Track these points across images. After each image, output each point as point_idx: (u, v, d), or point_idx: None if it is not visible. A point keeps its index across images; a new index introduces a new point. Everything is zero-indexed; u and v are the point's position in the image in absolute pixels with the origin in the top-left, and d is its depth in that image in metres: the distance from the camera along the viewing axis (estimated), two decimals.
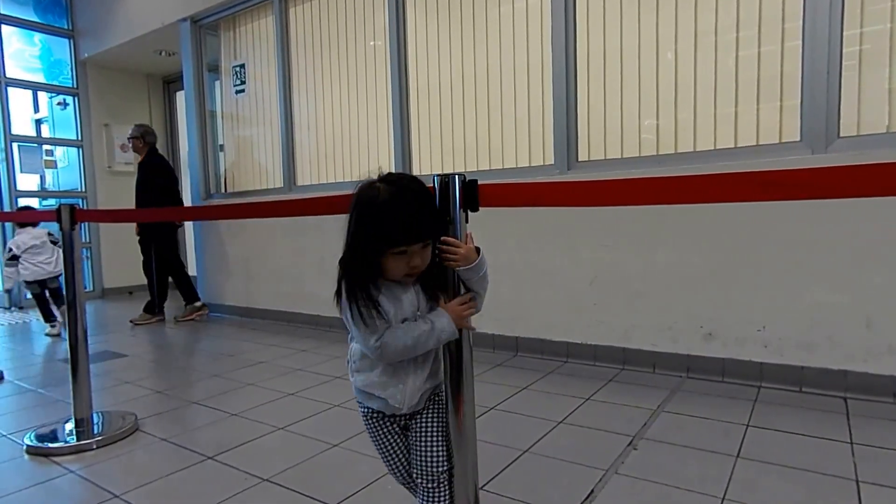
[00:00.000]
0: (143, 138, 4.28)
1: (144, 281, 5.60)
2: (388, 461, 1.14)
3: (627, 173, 2.55)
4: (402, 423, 1.12)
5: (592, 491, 1.52)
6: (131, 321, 4.33)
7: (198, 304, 4.45)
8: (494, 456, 1.75)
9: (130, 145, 4.38)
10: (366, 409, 1.11)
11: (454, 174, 1.05)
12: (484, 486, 1.55)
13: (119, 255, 5.90)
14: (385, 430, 1.11)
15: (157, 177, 4.27)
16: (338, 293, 1.01)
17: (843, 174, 0.78)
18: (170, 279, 4.44)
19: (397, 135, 3.44)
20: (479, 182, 1.07)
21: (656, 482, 1.55)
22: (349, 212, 0.97)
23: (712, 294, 2.38)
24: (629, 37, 2.62)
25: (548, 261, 2.79)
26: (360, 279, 0.97)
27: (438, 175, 1.05)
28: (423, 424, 1.10)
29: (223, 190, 4.69)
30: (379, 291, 0.98)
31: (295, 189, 4.05)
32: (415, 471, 1.11)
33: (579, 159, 2.77)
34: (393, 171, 3.66)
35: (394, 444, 1.12)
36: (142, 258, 4.42)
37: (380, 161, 3.61)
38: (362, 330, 0.98)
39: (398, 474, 1.15)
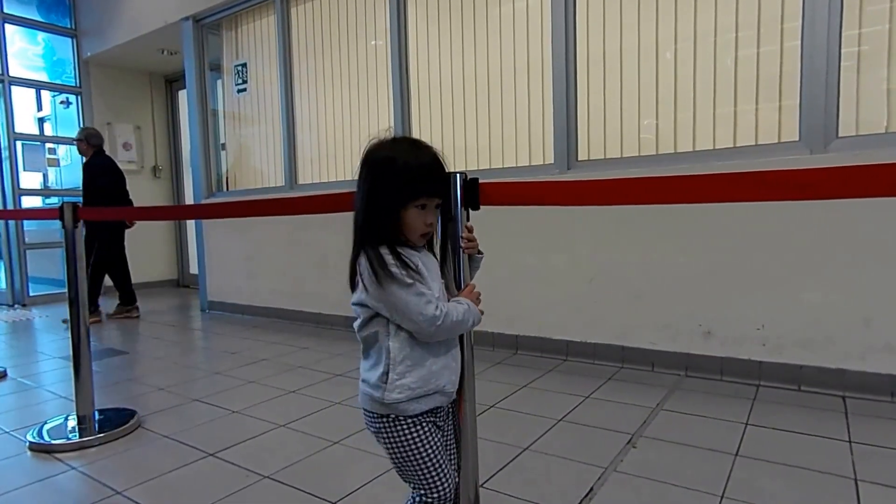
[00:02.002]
0: (86, 141, 4.31)
1: (145, 279, 5.62)
2: (441, 468, 1.00)
3: (627, 173, 2.55)
4: (443, 414, 1.04)
5: (592, 489, 1.52)
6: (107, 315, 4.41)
7: (129, 307, 4.49)
8: (494, 454, 1.75)
9: (77, 148, 4.41)
10: (416, 418, 0.97)
11: (456, 172, 1.04)
12: (484, 483, 1.55)
13: (129, 252, 5.88)
14: (435, 431, 1.01)
15: (100, 177, 4.26)
16: (372, 272, 0.90)
17: (842, 175, 0.78)
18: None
19: (398, 134, 3.43)
20: (480, 181, 1.07)
21: (655, 480, 1.54)
22: (362, 172, 0.94)
23: (711, 292, 2.38)
24: (629, 37, 2.62)
25: (547, 259, 2.79)
26: (385, 237, 0.92)
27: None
28: (456, 409, 1.09)
29: (225, 188, 4.69)
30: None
31: (296, 188, 4.05)
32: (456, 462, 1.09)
33: (579, 159, 2.77)
34: None
35: (442, 445, 1.02)
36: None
37: None
38: (417, 300, 0.90)
39: (450, 479, 1.02)
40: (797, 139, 2.23)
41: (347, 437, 1.90)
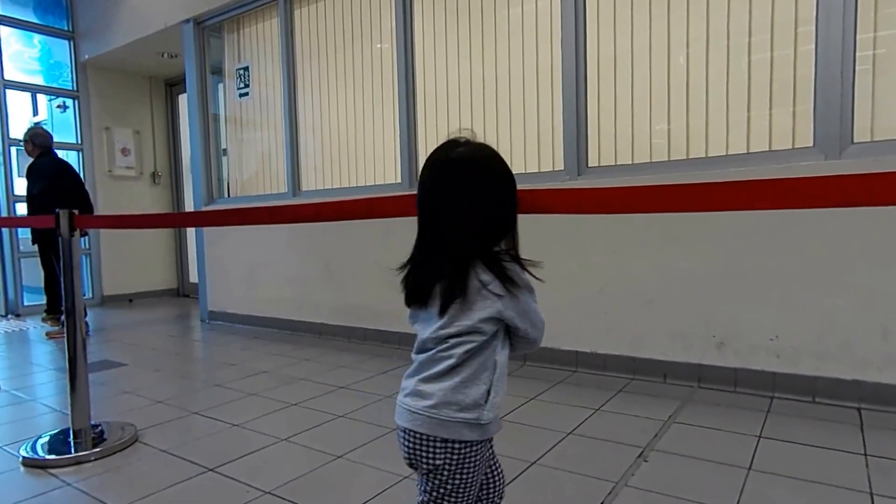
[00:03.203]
0: (31, 141, 4.21)
1: (144, 288, 5.62)
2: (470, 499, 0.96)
3: (639, 179, 2.59)
4: None
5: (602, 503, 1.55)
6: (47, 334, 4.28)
7: (60, 317, 4.36)
8: (503, 467, 1.78)
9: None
10: (485, 441, 0.94)
11: None
12: None
13: (119, 262, 5.97)
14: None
15: (40, 179, 4.12)
16: (509, 281, 0.89)
17: (859, 183, 0.81)
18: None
19: (404, 140, 3.49)
20: None
21: (667, 495, 1.57)
22: (481, 179, 0.90)
23: (724, 302, 2.41)
24: (640, 40, 2.67)
25: (556, 266, 2.83)
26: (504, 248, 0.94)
27: None
28: None
29: (227, 195, 4.75)
30: None
31: (300, 195, 4.11)
32: (496, 490, 1.08)
33: (589, 165, 2.81)
34: (399, 177, 3.64)
35: None
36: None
37: (386, 166, 3.66)
38: (537, 307, 0.94)
39: None
40: (811, 145, 2.27)
41: (351, 452, 1.94)
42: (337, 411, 2.36)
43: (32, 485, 1.78)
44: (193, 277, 5.90)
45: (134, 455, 1.98)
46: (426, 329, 0.92)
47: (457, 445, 0.90)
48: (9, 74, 5.44)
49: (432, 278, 0.90)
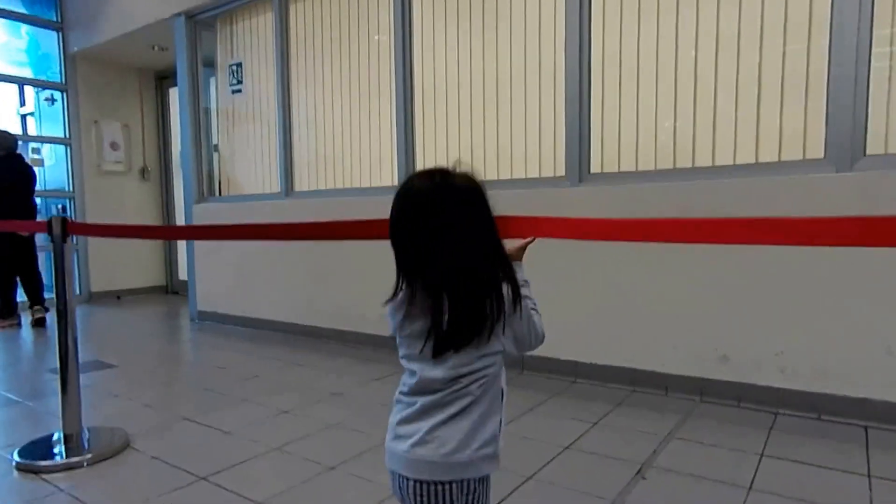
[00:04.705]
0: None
1: (132, 285, 5.64)
2: None
3: (642, 188, 2.59)
4: None
5: None
6: None
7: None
8: (497, 482, 1.78)
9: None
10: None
11: None
12: None
13: (107, 259, 5.95)
14: None
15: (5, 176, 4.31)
16: (514, 301, 0.89)
17: (857, 226, 0.82)
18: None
19: (400, 140, 3.49)
20: None
21: None
22: (453, 203, 0.86)
23: (728, 315, 2.42)
24: (647, 39, 2.66)
25: (557, 275, 2.83)
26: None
27: None
28: None
29: (218, 193, 4.75)
30: None
31: (292, 195, 4.10)
32: None
33: (591, 171, 2.82)
34: (396, 179, 3.63)
35: None
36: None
37: (382, 167, 3.66)
38: (537, 318, 0.94)
39: None
40: (822, 156, 2.27)
41: (344, 463, 1.94)
42: (330, 420, 2.36)
43: (27, 490, 1.81)
44: (182, 275, 5.91)
45: (125, 461, 2.00)
46: (433, 368, 0.87)
47: (475, 483, 0.88)
48: None
49: (471, 312, 0.84)
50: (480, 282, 0.85)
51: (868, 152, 2.18)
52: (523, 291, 0.93)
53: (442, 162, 3.45)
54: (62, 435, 2.11)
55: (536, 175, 3.01)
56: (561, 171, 2.90)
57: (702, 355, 2.47)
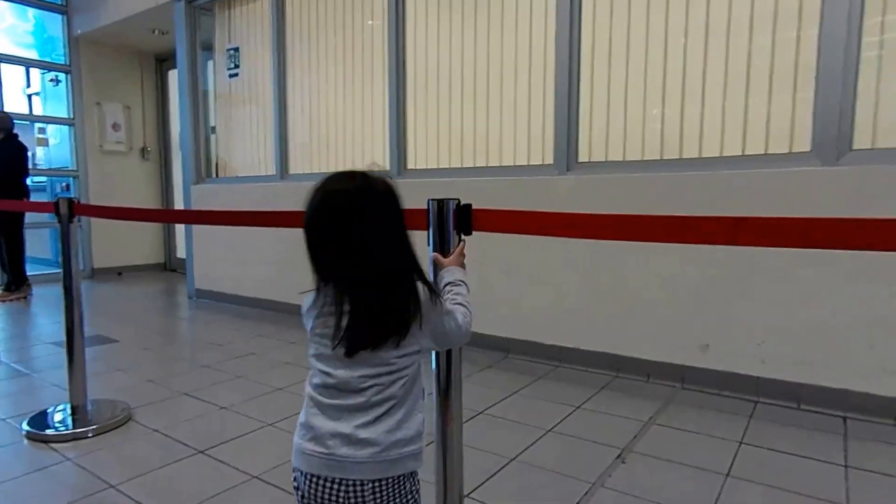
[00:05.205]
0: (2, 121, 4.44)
1: (133, 262, 5.65)
2: None
3: (629, 178, 2.52)
4: None
5: None
6: None
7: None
8: (480, 463, 1.74)
9: None
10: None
11: (449, 200, 1.10)
12: (469, 493, 1.55)
13: (109, 236, 5.88)
14: None
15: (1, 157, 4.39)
16: (428, 298, 0.86)
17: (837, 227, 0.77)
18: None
19: (392, 125, 3.40)
20: (474, 207, 1.11)
21: (643, 498, 1.54)
22: (374, 206, 0.84)
23: (711, 304, 2.36)
24: (637, 28, 2.57)
25: (542, 260, 2.77)
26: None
27: (434, 200, 1.10)
28: None
29: (215, 175, 4.66)
30: None
31: (287, 178, 4.02)
32: None
33: (579, 160, 2.74)
34: (387, 164, 3.55)
35: None
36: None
37: (374, 152, 3.58)
38: (463, 313, 0.93)
39: None
40: (809, 149, 2.20)
41: None
42: None
43: (35, 458, 1.85)
44: (181, 253, 5.86)
45: (128, 433, 2.02)
46: (349, 368, 0.83)
47: (403, 480, 0.86)
48: (3, 48, 5.33)
49: (387, 311, 0.82)
50: (393, 282, 0.83)
51: (855, 147, 2.11)
52: (454, 290, 0.96)
53: (433, 149, 3.39)
54: (69, 406, 2.14)
55: (525, 162, 2.93)
56: (549, 159, 2.82)
57: (684, 343, 2.42)
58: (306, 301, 0.87)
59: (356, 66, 3.64)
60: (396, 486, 0.85)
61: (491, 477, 1.66)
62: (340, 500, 0.83)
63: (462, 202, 1.12)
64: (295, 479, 0.87)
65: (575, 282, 2.69)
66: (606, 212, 1.05)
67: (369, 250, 0.81)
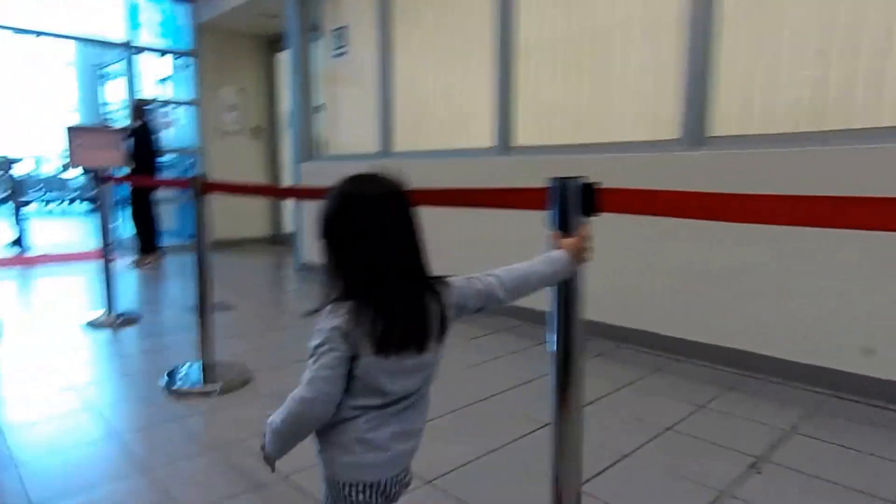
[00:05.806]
0: (139, 108, 5.06)
1: (245, 235, 6.03)
2: None
3: (771, 153, 2.19)
4: None
5: None
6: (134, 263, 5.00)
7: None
8: (590, 455, 1.62)
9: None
10: None
11: (573, 179, 1.03)
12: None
13: (229, 208, 6.27)
14: None
15: (137, 140, 4.87)
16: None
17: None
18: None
19: (499, 99, 3.26)
20: (600, 187, 1.03)
21: None
22: (392, 209, 0.87)
23: (877, 300, 1.99)
24: None
25: (668, 246, 2.52)
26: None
27: (557, 178, 1.04)
28: None
29: (321, 152, 4.79)
30: None
31: (391, 155, 4.03)
32: None
33: (710, 134, 2.44)
34: (494, 141, 3.41)
35: None
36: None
37: (479, 128, 3.47)
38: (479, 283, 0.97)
39: None
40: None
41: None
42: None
43: (173, 410, 2.02)
44: (287, 227, 6.14)
45: (249, 394, 2.16)
46: (408, 377, 0.86)
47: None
48: (142, 39, 5.91)
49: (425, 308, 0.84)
50: (424, 281, 0.86)
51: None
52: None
53: (544, 124, 3.15)
54: (200, 364, 2.29)
55: (646, 138, 2.68)
56: (675, 133, 2.55)
57: (839, 344, 2.06)
58: (336, 321, 0.84)
59: (462, 40, 3.52)
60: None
61: (602, 472, 1.55)
62: (400, 487, 0.92)
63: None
64: (365, 489, 0.88)
65: (705, 270, 2.41)
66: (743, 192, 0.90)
67: (399, 252, 0.84)
